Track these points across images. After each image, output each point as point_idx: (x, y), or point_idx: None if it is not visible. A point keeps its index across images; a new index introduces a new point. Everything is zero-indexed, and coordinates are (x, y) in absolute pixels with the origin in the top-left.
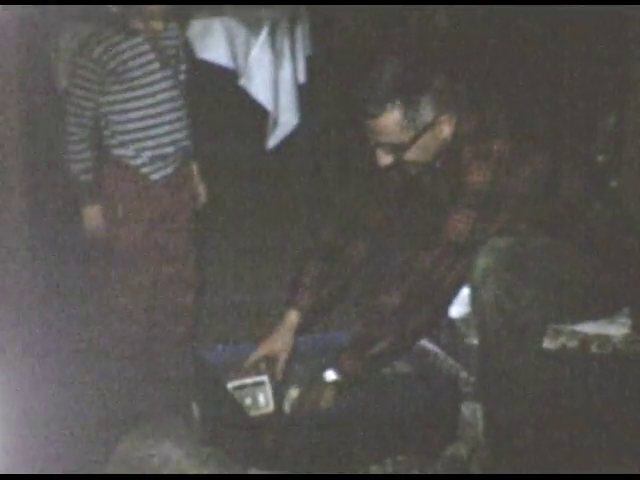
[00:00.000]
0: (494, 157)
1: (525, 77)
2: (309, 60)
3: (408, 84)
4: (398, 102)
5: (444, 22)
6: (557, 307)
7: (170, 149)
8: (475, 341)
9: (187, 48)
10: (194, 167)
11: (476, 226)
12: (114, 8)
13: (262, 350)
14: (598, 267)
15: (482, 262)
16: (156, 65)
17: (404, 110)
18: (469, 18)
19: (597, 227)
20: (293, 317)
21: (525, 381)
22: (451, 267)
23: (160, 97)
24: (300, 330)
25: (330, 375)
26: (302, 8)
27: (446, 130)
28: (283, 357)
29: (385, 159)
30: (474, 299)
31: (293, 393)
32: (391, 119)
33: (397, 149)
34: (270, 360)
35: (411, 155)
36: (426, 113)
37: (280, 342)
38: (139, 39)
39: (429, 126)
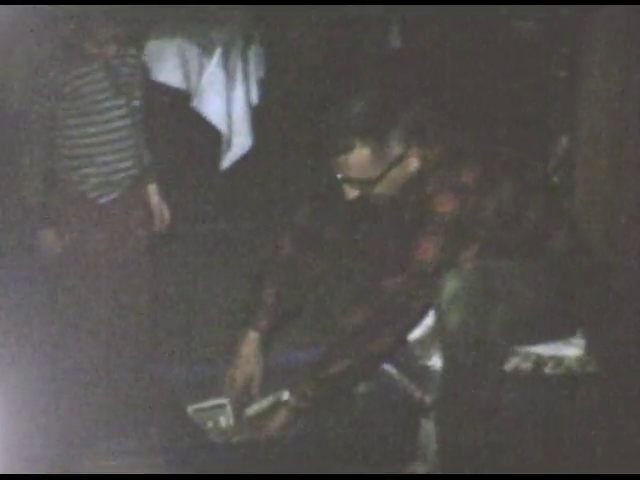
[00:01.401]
0: (461, 187)
1: (484, 103)
2: (262, 82)
3: (377, 120)
4: (367, 138)
5: (397, 43)
6: (520, 330)
7: (116, 176)
8: (430, 362)
9: (143, 74)
10: (151, 189)
11: (442, 254)
12: (68, 31)
13: (240, 376)
14: (556, 289)
15: (449, 286)
16: (109, 93)
17: (373, 145)
18: (429, 46)
19: (557, 250)
20: (253, 338)
21: (486, 403)
22: (416, 293)
23: (110, 125)
24: (261, 350)
25: (285, 396)
26: (255, 30)
27: (414, 163)
28: (258, 381)
29: (352, 193)
30: (440, 322)
31: (249, 412)
32: (360, 155)
33: (365, 184)
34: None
35: (379, 189)
36: (395, 148)
37: (250, 365)
38: (94, 65)
39: (397, 160)
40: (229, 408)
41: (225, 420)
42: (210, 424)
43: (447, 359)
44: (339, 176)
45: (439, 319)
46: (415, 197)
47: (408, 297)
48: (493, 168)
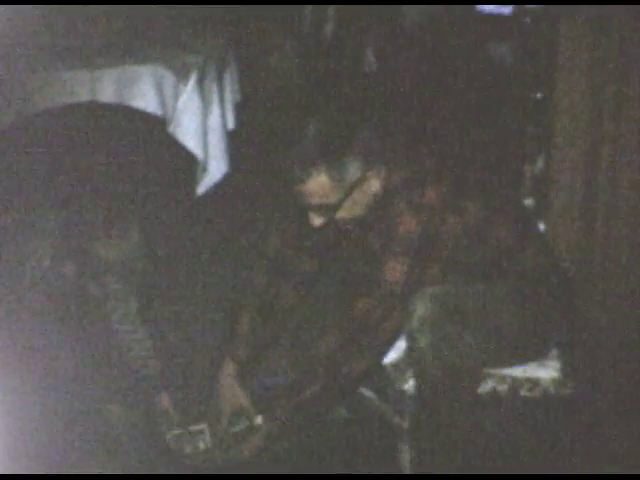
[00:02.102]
0: (425, 206)
1: (451, 124)
2: (238, 107)
3: (330, 146)
4: (322, 165)
5: (372, 67)
6: (492, 352)
7: None
8: (406, 386)
9: None
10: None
11: (410, 273)
12: None
13: (227, 408)
14: (529, 311)
15: (419, 310)
16: None
17: (329, 172)
18: (404, 69)
19: (527, 271)
20: (230, 368)
21: (461, 427)
22: (387, 314)
23: None
24: (240, 380)
25: (259, 420)
26: (230, 54)
27: (375, 184)
28: (248, 406)
29: (317, 220)
30: (411, 346)
31: (224, 437)
32: (318, 182)
33: (328, 209)
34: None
35: (343, 213)
36: (352, 171)
37: (236, 397)
38: None
39: (357, 183)
40: (208, 433)
41: (204, 445)
42: (188, 449)
43: (420, 383)
44: (302, 204)
45: (410, 343)
46: (380, 218)
47: (379, 318)
48: (458, 188)
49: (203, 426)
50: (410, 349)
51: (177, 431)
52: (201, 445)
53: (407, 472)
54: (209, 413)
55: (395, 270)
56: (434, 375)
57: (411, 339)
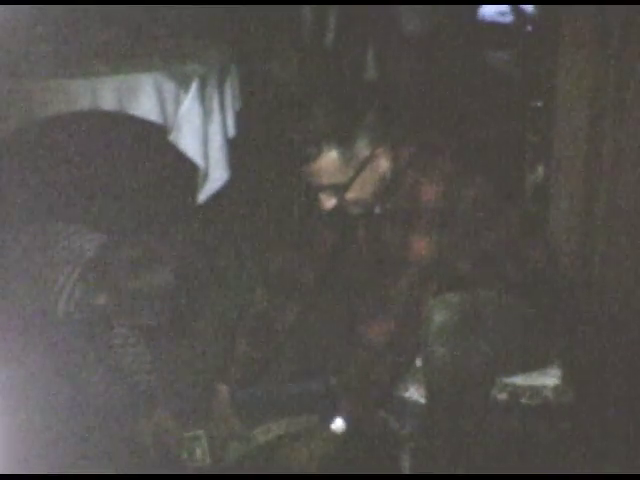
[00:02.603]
0: (440, 175)
1: (459, 135)
2: (239, 115)
3: (341, 122)
4: (333, 141)
5: (372, 74)
6: (501, 362)
7: None
8: (407, 394)
9: None
10: None
11: (438, 245)
12: None
13: (222, 432)
14: (535, 319)
15: (437, 318)
16: None
17: (340, 149)
18: (405, 77)
19: (532, 279)
20: (225, 392)
21: (469, 436)
22: (425, 287)
23: None
24: (232, 404)
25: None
26: (231, 63)
27: (384, 164)
28: (241, 433)
29: (328, 202)
30: (426, 353)
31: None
32: (328, 159)
33: (339, 189)
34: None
35: (353, 194)
36: (362, 148)
37: (226, 421)
38: None
39: (366, 161)
40: (204, 440)
41: (200, 451)
42: (185, 454)
43: (432, 392)
44: (312, 185)
45: (425, 351)
46: (393, 199)
47: (420, 292)
48: (467, 163)
49: (200, 432)
50: (425, 359)
51: (173, 438)
52: (198, 452)
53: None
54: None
55: (421, 244)
56: (447, 384)
57: (427, 348)
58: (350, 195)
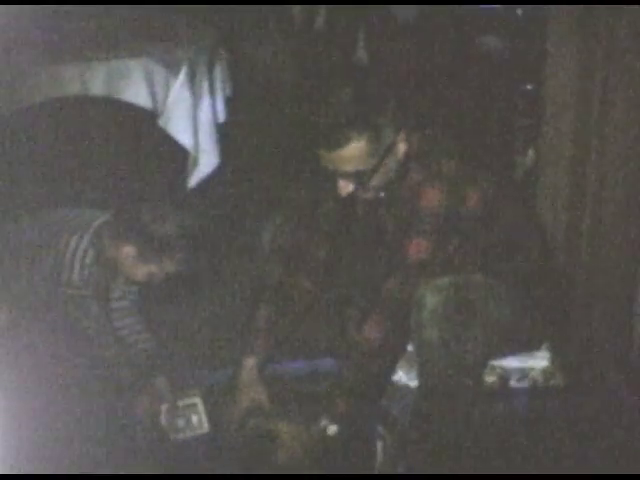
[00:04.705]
0: (445, 178)
1: (451, 119)
2: (229, 100)
3: (368, 109)
4: (362, 129)
5: (363, 58)
6: (495, 345)
7: None
8: (396, 377)
9: None
10: None
11: (436, 249)
12: None
13: (244, 403)
14: (525, 303)
15: (429, 302)
16: None
17: (368, 136)
18: (395, 62)
19: (524, 263)
20: (252, 364)
21: (460, 419)
22: (417, 286)
23: None
24: (260, 375)
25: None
26: (221, 48)
27: (402, 148)
28: (267, 405)
29: (348, 188)
30: (418, 338)
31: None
32: (357, 147)
33: (362, 175)
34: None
35: (375, 181)
36: (387, 135)
37: (253, 392)
38: None
39: (390, 147)
40: (201, 407)
41: (197, 418)
42: (181, 423)
43: (424, 376)
44: (334, 171)
45: (418, 335)
46: (398, 192)
47: (410, 295)
48: (472, 162)
49: (196, 399)
50: (417, 343)
51: (169, 406)
52: (194, 419)
53: (380, 461)
54: (225, 407)
55: (420, 246)
56: (440, 368)
57: (419, 333)
58: (372, 182)
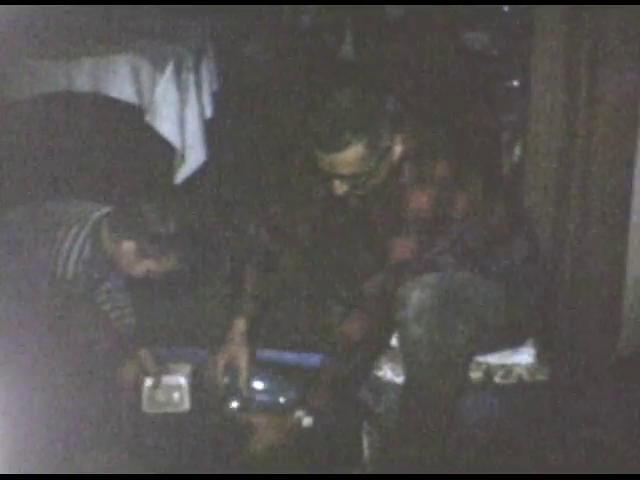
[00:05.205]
0: (435, 181)
1: (438, 116)
2: (215, 96)
3: (366, 113)
4: (361, 133)
5: (350, 55)
6: (480, 341)
7: None
8: (380, 373)
9: None
10: None
11: (421, 251)
12: None
13: (221, 360)
14: (510, 299)
15: (415, 299)
16: None
17: (366, 140)
18: (382, 56)
19: (510, 259)
20: (241, 325)
21: (444, 416)
22: (399, 285)
23: None
24: (248, 337)
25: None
26: (207, 43)
27: (398, 149)
28: (245, 366)
29: (341, 188)
30: (404, 334)
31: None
32: (355, 151)
33: (358, 178)
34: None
35: (369, 182)
36: (385, 138)
37: (239, 351)
38: None
39: (388, 150)
40: (185, 386)
41: (179, 396)
42: (162, 398)
43: (410, 372)
44: (331, 173)
45: (403, 333)
46: (388, 191)
47: (393, 292)
48: (464, 164)
49: (182, 380)
50: (403, 339)
51: (152, 382)
52: (175, 396)
53: (367, 456)
54: (206, 371)
55: (405, 247)
56: (426, 364)
57: (405, 329)
58: (368, 183)
